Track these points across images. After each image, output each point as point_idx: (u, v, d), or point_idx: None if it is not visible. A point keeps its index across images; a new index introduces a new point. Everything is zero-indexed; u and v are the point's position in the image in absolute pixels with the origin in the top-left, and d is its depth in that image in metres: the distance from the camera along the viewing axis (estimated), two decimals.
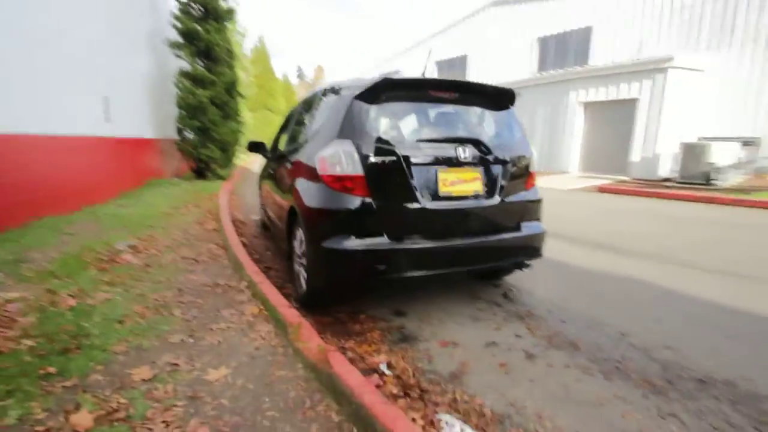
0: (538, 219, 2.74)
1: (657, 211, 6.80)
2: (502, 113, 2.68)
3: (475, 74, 19.41)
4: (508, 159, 2.54)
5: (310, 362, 1.85)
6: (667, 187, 9.61)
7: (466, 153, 2.38)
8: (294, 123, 3.47)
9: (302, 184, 2.52)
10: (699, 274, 3.44)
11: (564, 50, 16.58)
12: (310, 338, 2.01)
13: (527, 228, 2.64)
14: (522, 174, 2.65)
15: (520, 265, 2.73)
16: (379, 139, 2.25)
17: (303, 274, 2.59)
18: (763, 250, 4.21)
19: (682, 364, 2.05)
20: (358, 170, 2.18)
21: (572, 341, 2.27)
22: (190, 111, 8.51)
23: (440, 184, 2.34)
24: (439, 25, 21.16)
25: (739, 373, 1.95)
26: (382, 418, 1.39)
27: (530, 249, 2.64)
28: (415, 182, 2.28)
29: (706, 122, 11.77)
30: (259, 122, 23.45)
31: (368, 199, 2.19)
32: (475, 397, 1.75)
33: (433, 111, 2.47)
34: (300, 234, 2.62)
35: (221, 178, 9.68)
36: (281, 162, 3.41)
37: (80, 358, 1.83)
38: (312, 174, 2.42)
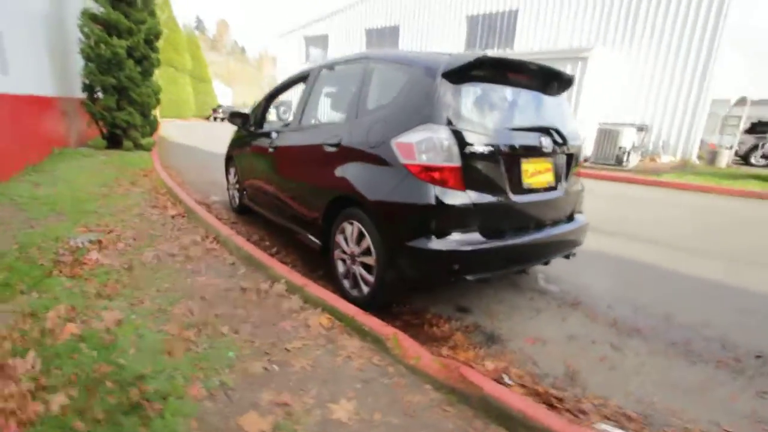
0: (581, 210, 2.80)
1: (592, 191, 7.61)
2: (560, 99, 2.62)
3: (406, 46, 19.25)
4: (571, 148, 2.51)
5: (440, 382, 1.64)
6: (590, 167, 10.83)
7: (546, 142, 2.29)
8: (310, 95, 2.99)
9: (366, 174, 2.18)
10: (669, 250, 3.92)
11: (491, 31, 17.25)
12: (417, 351, 1.80)
13: (578, 218, 2.68)
14: (576, 164, 2.65)
15: (569, 255, 2.79)
16: (474, 125, 2.02)
17: (362, 274, 2.30)
18: (702, 227, 4.98)
19: (734, 340, 2.29)
20: (455, 160, 1.94)
21: (634, 327, 2.40)
22: (102, 65, 6.95)
23: (523, 175, 2.21)
24: None
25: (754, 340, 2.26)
26: None
27: (579, 239, 2.70)
28: (504, 174, 2.12)
29: (613, 109, 13.41)
30: (163, 82, 20.40)
31: (464, 193, 1.98)
32: (608, 399, 1.74)
33: (513, 95, 2.30)
34: (353, 230, 2.30)
35: (143, 148, 8.25)
36: (288, 141, 2.95)
37: (156, 415, 1.36)
38: (381, 162, 2.11)
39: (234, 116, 3.86)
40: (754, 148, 14.53)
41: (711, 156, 12.13)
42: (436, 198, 1.93)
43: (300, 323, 2.09)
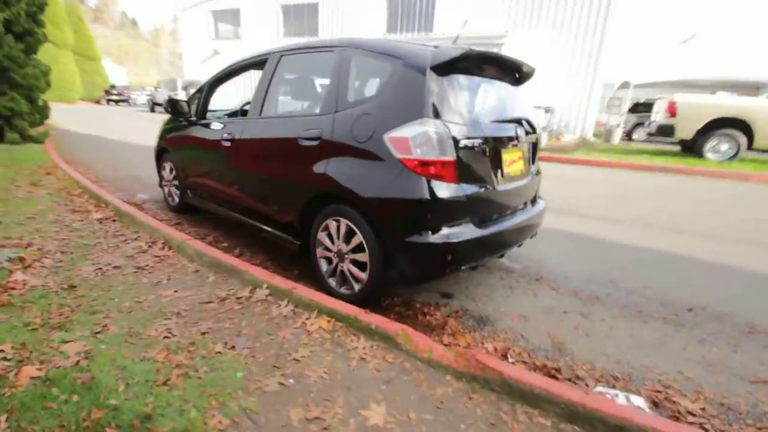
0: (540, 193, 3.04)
1: None
2: (522, 89, 2.76)
3: (327, 25, 18.65)
4: (535, 136, 2.69)
5: (458, 371, 1.70)
6: None
7: (521, 132, 2.41)
8: (270, 84, 2.76)
9: (355, 170, 2.11)
10: (607, 223, 4.46)
11: (412, 14, 17.44)
12: (428, 344, 1.83)
13: (540, 201, 2.91)
14: (537, 150, 2.85)
15: (532, 236, 3.01)
16: (463, 118, 2.06)
17: (352, 271, 2.25)
18: (612, 197, 5.72)
19: (669, 298, 2.70)
20: (450, 154, 1.97)
21: (593, 295, 2.71)
22: None
23: (504, 165, 2.32)
24: None
25: (670, 288, 2.72)
26: (609, 410, 1.44)
27: (542, 220, 2.93)
28: (490, 164, 2.21)
29: None
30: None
31: (457, 186, 2.02)
32: (595, 363, 1.96)
33: (488, 87, 2.37)
34: (339, 228, 2.23)
35: (33, 140, 6.98)
36: (249, 133, 2.73)
37: None
38: (372, 157, 2.05)
39: (172, 104, 3.43)
40: (637, 126, 16.94)
41: (608, 134, 13.84)
42: (434, 192, 1.95)
43: (299, 330, 1.99)
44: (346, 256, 2.27)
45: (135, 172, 5.95)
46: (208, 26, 21.19)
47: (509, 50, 12.99)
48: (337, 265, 2.35)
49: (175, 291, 2.34)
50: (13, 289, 2.21)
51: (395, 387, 1.64)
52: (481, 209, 2.19)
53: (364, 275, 2.21)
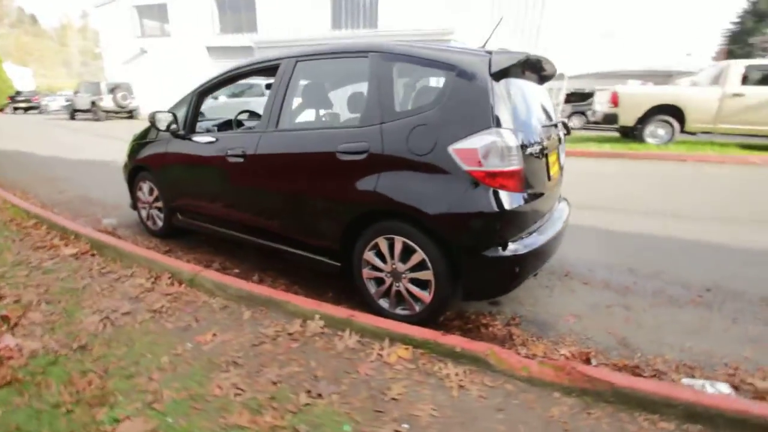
0: None
1: None
2: (544, 88, 2.76)
3: (266, 21, 17.82)
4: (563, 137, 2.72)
5: (564, 386, 1.66)
6: None
7: (561, 133, 2.42)
8: (286, 92, 2.50)
9: (416, 185, 1.97)
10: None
11: (356, 9, 17.22)
12: (520, 361, 1.77)
13: (563, 201, 2.96)
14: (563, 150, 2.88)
15: None
16: (521, 125, 2.00)
17: (412, 291, 2.12)
18: None
19: (685, 280, 2.88)
20: (519, 163, 1.90)
21: (623, 285, 2.82)
22: None
23: (550, 168, 2.31)
24: None
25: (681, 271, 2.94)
26: (725, 405, 1.48)
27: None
28: (543, 170, 2.18)
29: None
30: None
31: (523, 194, 1.97)
32: (663, 355, 2.02)
33: (529, 90, 2.33)
34: (394, 247, 2.09)
35: None
36: (268, 148, 2.48)
37: None
38: (435, 170, 1.93)
39: (158, 117, 3.00)
40: (571, 114, 18.23)
41: None
42: (506, 203, 1.88)
43: (377, 363, 1.83)
44: (404, 275, 2.13)
45: (84, 192, 5.23)
46: (132, 23, 19.30)
47: (457, 42, 13.29)
48: (390, 286, 2.20)
49: (214, 335, 2.05)
50: (10, 358, 1.80)
51: (511, 414, 1.55)
52: (538, 216, 2.17)
53: (426, 294, 2.09)
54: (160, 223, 3.54)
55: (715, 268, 3.06)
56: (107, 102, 16.14)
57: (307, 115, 2.88)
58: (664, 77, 18.86)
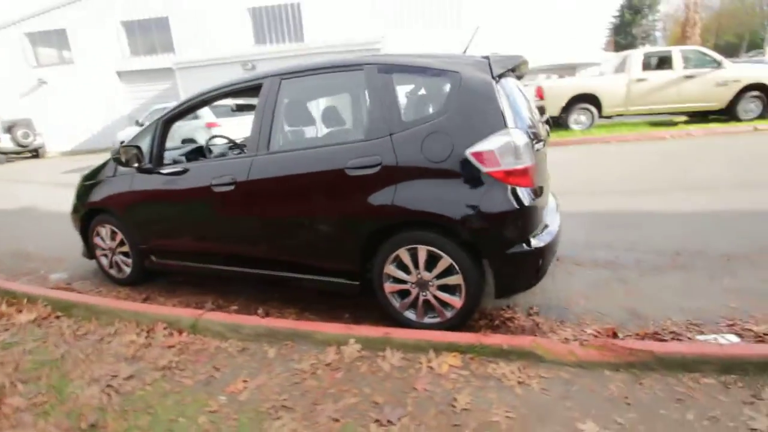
0: None
1: None
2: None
3: (183, 40, 16.85)
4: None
5: (612, 363, 1.75)
6: None
7: (547, 128, 2.57)
8: (274, 113, 2.38)
9: (437, 191, 1.98)
10: None
11: (279, 24, 16.93)
12: (564, 348, 1.85)
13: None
14: None
15: None
16: (523, 123, 2.09)
17: (441, 298, 2.12)
18: None
19: (656, 248, 3.19)
20: (532, 159, 1.99)
21: (608, 261, 3.05)
22: None
23: (545, 162, 2.45)
24: None
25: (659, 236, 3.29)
26: (750, 352, 1.66)
27: None
28: (542, 164, 2.30)
29: None
30: None
31: (534, 189, 2.06)
32: (672, 318, 2.22)
33: (518, 88, 2.43)
34: (418, 256, 2.08)
35: None
36: (263, 172, 2.35)
37: None
38: (454, 175, 1.96)
39: (125, 152, 2.68)
40: None
41: None
42: (525, 199, 1.96)
43: (431, 376, 1.79)
44: (431, 283, 2.12)
45: (11, 246, 4.53)
46: (25, 52, 17.15)
47: (387, 51, 13.59)
48: (417, 296, 2.18)
49: (245, 382, 1.88)
50: None
51: (577, 401, 1.61)
52: (544, 209, 2.29)
53: (456, 299, 2.10)
54: (127, 270, 3.17)
55: (672, 234, 3.43)
56: (5, 142, 14.15)
57: (302, 135, 2.76)
58: (569, 69, 20.85)
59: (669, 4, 44.15)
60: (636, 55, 9.54)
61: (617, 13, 46.33)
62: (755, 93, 9.19)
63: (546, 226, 2.16)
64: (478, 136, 1.94)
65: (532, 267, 2.02)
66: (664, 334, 2.08)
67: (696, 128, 9.10)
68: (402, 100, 2.19)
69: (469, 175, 1.94)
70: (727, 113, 9.49)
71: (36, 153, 15.55)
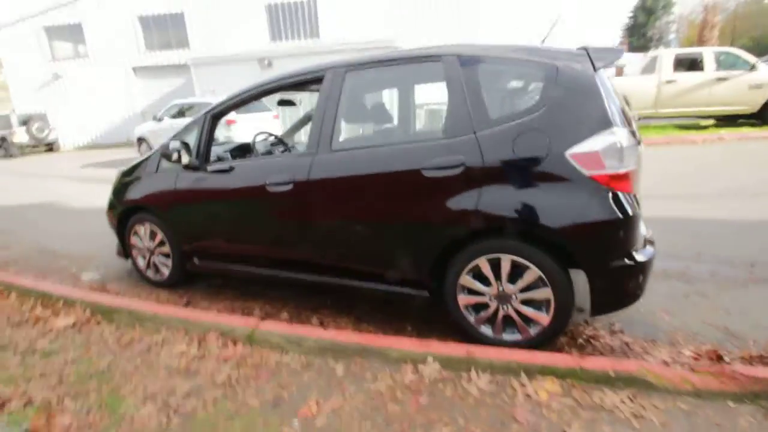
0: None
1: None
2: None
3: (199, 36, 16.75)
4: None
5: (734, 393, 1.56)
6: None
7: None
8: (338, 107, 2.20)
9: (530, 196, 1.79)
10: None
11: (295, 20, 16.78)
12: (677, 374, 1.65)
13: None
14: None
15: None
16: (624, 121, 1.89)
17: (526, 313, 1.93)
18: None
19: (726, 258, 2.96)
20: (634, 163, 1.80)
21: (679, 272, 2.83)
22: None
23: None
24: None
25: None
26: None
27: None
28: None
29: None
30: None
31: (636, 195, 1.86)
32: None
33: (611, 85, 2.21)
34: (502, 267, 1.89)
35: None
36: (327, 171, 2.17)
37: None
38: (551, 179, 1.77)
39: (173, 148, 2.51)
40: None
41: None
42: (629, 207, 1.76)
43: (529, 404, 1.61)
44: (514, 297, 1.93)
45: (38, 244, 4.40)
46: (41, 46, 17.13)
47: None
48: (497, 310, 1.99)
49: (317, 404, 1.70)
50: None
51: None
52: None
53: (543, 315, 1.90)
54: (166, 271, 3.01)
55: (737, 244, 3.21)
56: (21, 136, 14.11)
57: (369, 132, 2.59)
58: None
59: (683, 5, 43.70)
60: (667, 56, 9.27)
61: (631, 14, 45.92)
62: None
63: (646, 239, 1.95)
64: (579, 135, 1.75)
65: (635, 283, 1.82)
66: None
67: (727, 132, 8.83)
68: (489, 94, 1.99)
69: (569, 178, 1.75)
70: (759, 117, 9.20)
71: (51, 147, 15.53)
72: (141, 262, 3.12)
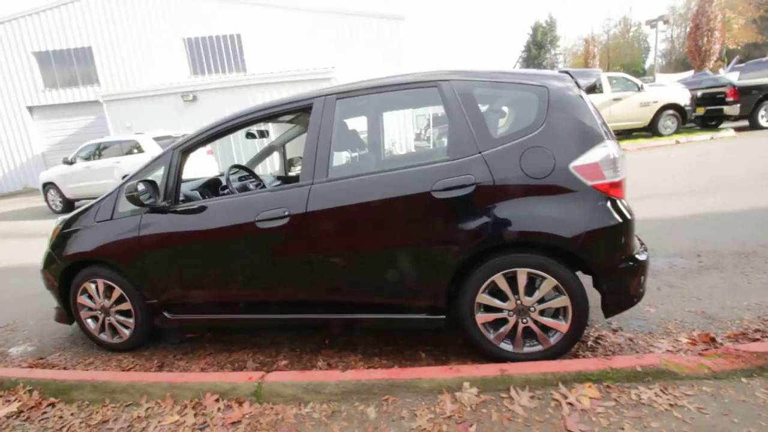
0: None
1: None
2: None
3: (110, 70, 15.49)
4: None
5: (745, 370, 1.71)
6: None
7: None
8: (331, 136, 2.12)
9: (542, 209, 1.86)
10: None
11: (218, 53, 16.33)
12: (693, 360, 1.78)
13: None
14: None
15: None
16: (610, 132, 2.06)
17: (546, 323, 1.97)
18: None
19: (676, 251, 3.33)
20: (624, 170, 1.96)
21: (668, 265, 3.12)
22: None
23: None
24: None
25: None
26: None
27: None
28: None
29: None
30: None
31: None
32: (744, 318, 2.28)
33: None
34: (518, 281, 1.93)
35: None
36: (329, 201, 2.08)
37: None
38: (559, 191, 1.87)
39: (141, 189, 2.21)
40: None
41: None
42: (627, 212, 1.91)
43: (576, 413, 1.60)
44: (532, 308, 1.97)
45: None
46: None
47: (338, 80, 13.60)
48: (516, 324, 2.00)
49: None
50: None
51: (741, 415, 1.52)
52: None
53: (562, 323, 1.95)
54: (126, 332, 2.59)
55: (676, 238, 3.65)
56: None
57: (367, 158, 2.50)
58: None
59: (567, 39, 50.77)
60: (604, 77, 10.55)
61: (524, 49, 52.40)
62: (671, 111, 10.60)
63: (640, 241, 2.12)
64: (578, 149, 1.88)
65: (639, 281, 1.96)
66: (750, 333, 2.11)
67: (628, 143, 10.18)
68: (487, 115, 2.06)
69: (575, 189, 1.86)
70: (650, 129, 10.81)
71: None
72: (92, 325, 2.65)
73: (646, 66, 43.75)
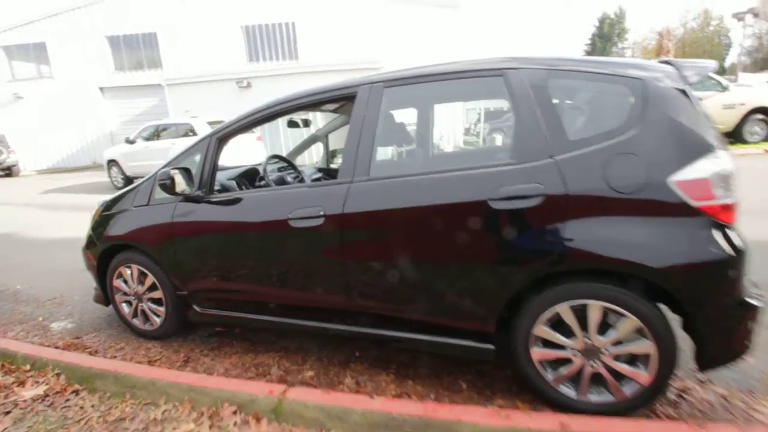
0: None
1: None
2: None
3: (173, 55, 16.23)
4: None
5: None
6: None
7: None
8: (376, 129, 1.88)
9: (628, 231, 1.51)
10: None
11: (273, 42, 16.59)
12: None
13: None
14: None
15: None
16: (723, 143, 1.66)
17: (623, 370, 1.61)
18: None
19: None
20: (737, 190, 1.56)
21: None
22: None
23: None
24: None
25: None
26: None
27: None
28: None
29: None
30: None
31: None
32: None
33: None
34: (590, 315, 1.59)
35: None
36: (370, 203, 1.83)
37: None
38: (654, 210, 1.50)
39: (175, 178, 2.11)
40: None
41: None
42: (739, 243, 1.51)
43: None
44: (604, 351, 1.62)
45: None
46: (1, 66, 16.13)
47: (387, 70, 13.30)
48: (582, 367, 1.67)
49: None
50: None
51: None
52: None
53: (643, 373, 1.59)
54: (157, 320, 2.53)
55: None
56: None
57: (416, 156, 2.26)
58: None
59: (637, 33, 46.83)
60: None
61: (588, 42, 48.98)
62: (760, 116, 9.31)
63: (752, 282, 1.70)
64: (681, 160, 1.50)
65: (747, 332, 1.55)
66: None
67: None
68: (564, 112, 1.72)
69: (674, 210, 1.49)
70: (733, 136, 9.58)
71: (9, 171, 14.35)
72: (126, 309, 2.63)
73: (726, 64, 39.45)
